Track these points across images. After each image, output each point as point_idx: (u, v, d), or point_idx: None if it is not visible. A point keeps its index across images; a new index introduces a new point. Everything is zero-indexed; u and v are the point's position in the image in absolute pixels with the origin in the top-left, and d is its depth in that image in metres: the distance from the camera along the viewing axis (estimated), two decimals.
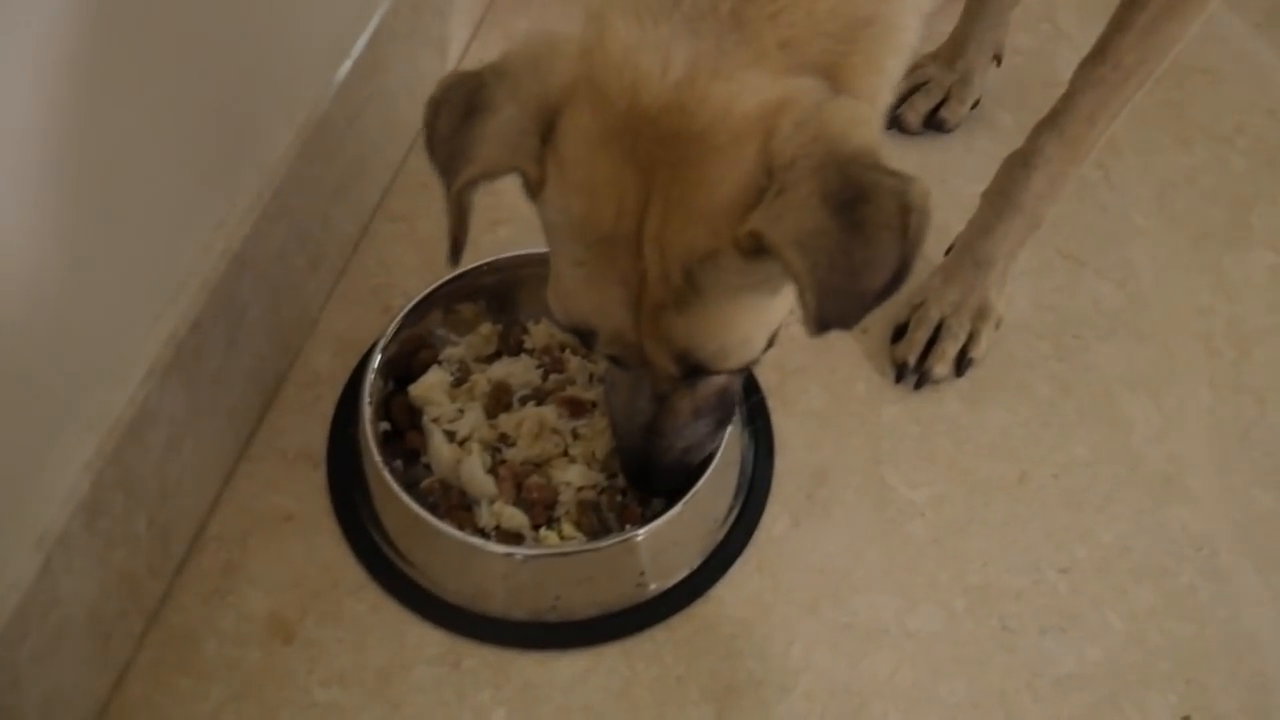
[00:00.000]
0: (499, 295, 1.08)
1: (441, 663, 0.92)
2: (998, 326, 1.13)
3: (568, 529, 0.95)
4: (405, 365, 1.04)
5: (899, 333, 1.14)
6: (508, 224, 1.19)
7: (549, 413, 1.00)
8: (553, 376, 1.04)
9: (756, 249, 0.65)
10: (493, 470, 0.97)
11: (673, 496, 0.96)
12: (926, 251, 1.20)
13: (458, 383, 1.03)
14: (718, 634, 0.95)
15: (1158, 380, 1.14)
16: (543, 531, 0.95)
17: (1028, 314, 1.18)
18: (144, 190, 0.85)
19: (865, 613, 0.97)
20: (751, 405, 1.07)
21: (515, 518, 0.94)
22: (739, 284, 0.70)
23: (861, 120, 0.66)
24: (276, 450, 1.03)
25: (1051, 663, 0.96)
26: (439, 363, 1.04)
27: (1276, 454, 1.09)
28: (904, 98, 1.32)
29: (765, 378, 1.10)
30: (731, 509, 1.01)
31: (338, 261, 1.15)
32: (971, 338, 1.12)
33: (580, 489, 0.96)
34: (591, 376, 1.04)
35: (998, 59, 1.33)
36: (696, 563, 0.98)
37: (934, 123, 1.32)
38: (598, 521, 0.96)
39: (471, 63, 1.35)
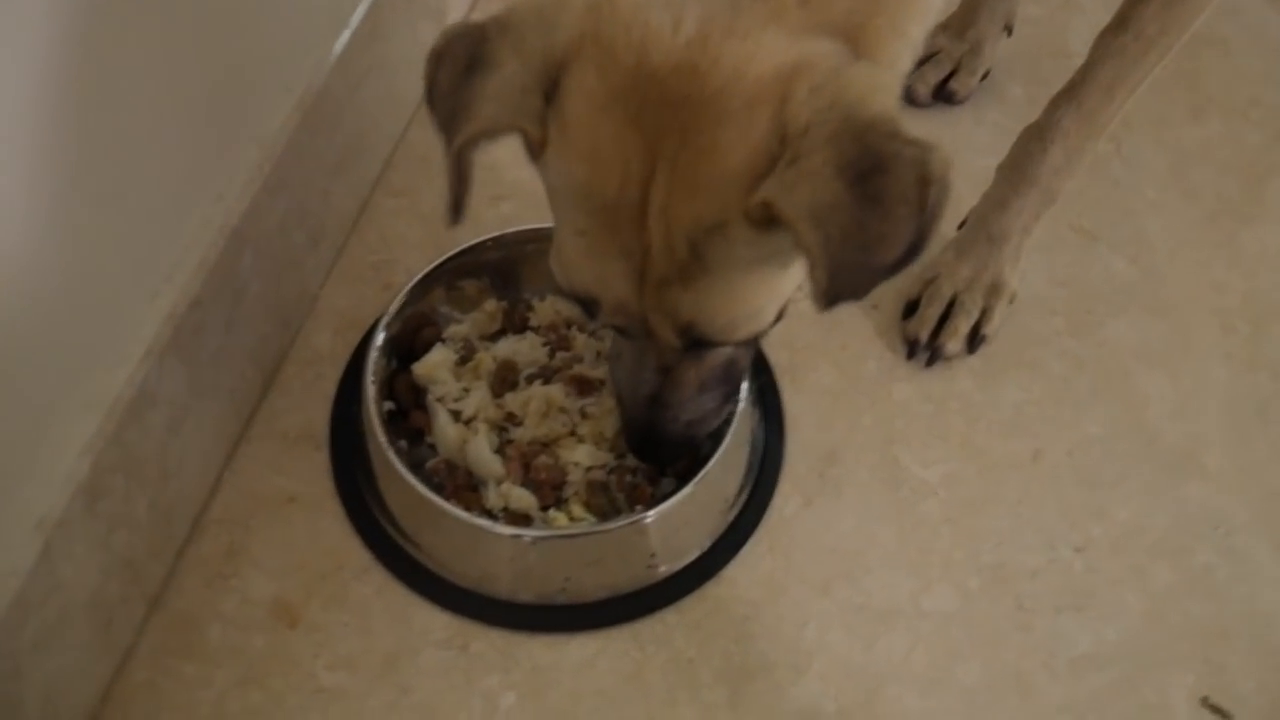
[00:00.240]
0: (502, 271, 1.06)
1: (449, 646, 0.91)
2: (1011, 302, 1.11)
3: (577, 510, 0.93)
4: (408, 343, 1.02)
5: (910, 309, 1.12)
6: (510, 199, 1.17)
7: (556, 391, 0.98)
8: (559, 354, 1.02)
9: (767, 220, 0.63)
10: (500, 450, 0.95)
11: (680, 471, 0.95)
12: (942, 226, 1.19)
13: (462, 361, 1.01)
14: (730, 616, 0.94)
15: (1173, 356, 1.13)
16: (551, 513, 0.93)
17: (1041, 289, 1.16)
18: (140, 165, 0.83)
19: (879, 593, 0.96)
20: (761, 384, 1.05)
21: (523, 499, 0.93)
22: (748, 256, 0.67)
23: (881, 87, 0.63)
24: (278, 431, 1.01)
25: (1068, 642, 0.95)
26: (443, 341, 1.02)
27: None
28: (914, 69, 1.30)
29: (775, 356, 1.08)
30: (742, 489, 0.99)
31: (338, 237, 1.13)
32: (984, 314, 1.10)
33: (589, 469, 0.95)
34: (599, 354, 1.02)
35: (1009, 29, 1.30)
36: (707, 544, 0.96)
37: (944, 94, 1.30)
38: (607, 502, 0.94)
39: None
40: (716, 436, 0.94)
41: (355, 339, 1.06)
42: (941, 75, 1.30)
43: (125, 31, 0.77)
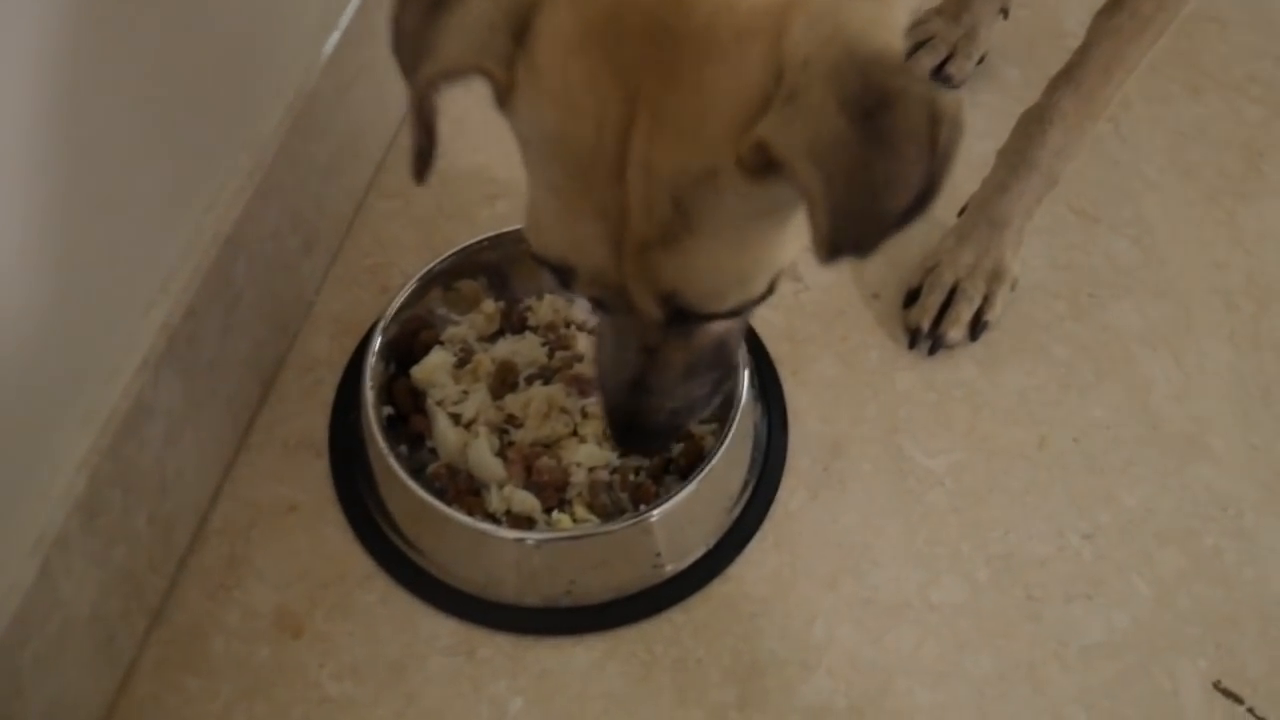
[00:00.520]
0: (499, 272, 1.05)
1: (456, 653, 0.90)
2: (1013, 288, 1.10)
3: (580, 511, 0.92)
4: (406, 347, 1.01)
5: (911, 297, 1.11)
6: (505, 198, 1.16)
7: (557, 391, 0.97)
8: (559, 354, 1.01)
9: (763, 165, 0.57)
10: (501, 453, 0.95)
11: (683, 469, 0.95)
12: (938, 213, 1.18)
13: (461, 363, 1.01)
14: (737, 613, 0.93)
15: (1176, 337, 1.12)
16: (555, 514, 0.92)
17: (1042, 273, 1.15)
18: (130, 174, 0.82)
19: (887, 586, 0.95)
20: (763, 377, 1.04)
21: (526, 501, 0.92)
22: (739, 211, 0.61)
23: (885, 22, 0.58)
24: (277, 439, 1.00)
25: (1078, 631, 0.94)
26: (441, 343, 1.02)
27: None
28: (909, 54, 1.29)
29: (776, 349, 1.07)
30: (746, 485, 0.98)
31: (332, 241, 1.12)
32: (986, 300, 1.09)
33: (592, 469, 0.94)
34: None
35: (1004, 12, 1.29)
36: (713, 541, 0.95)
37: (940, 79, 1.29)
38: (611, 502, 0.93)
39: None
40: (718, 429, 0.93)
41: (352, 343, 1.05)
42: (938, 60, 1.29)
43: (113, 40, 0.76)
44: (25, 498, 0.76)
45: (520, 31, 0.60)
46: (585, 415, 0.97)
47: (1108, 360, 1.10)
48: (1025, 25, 1.35)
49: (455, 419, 0.97)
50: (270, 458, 0.99)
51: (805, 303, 1.11)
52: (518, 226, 1.01)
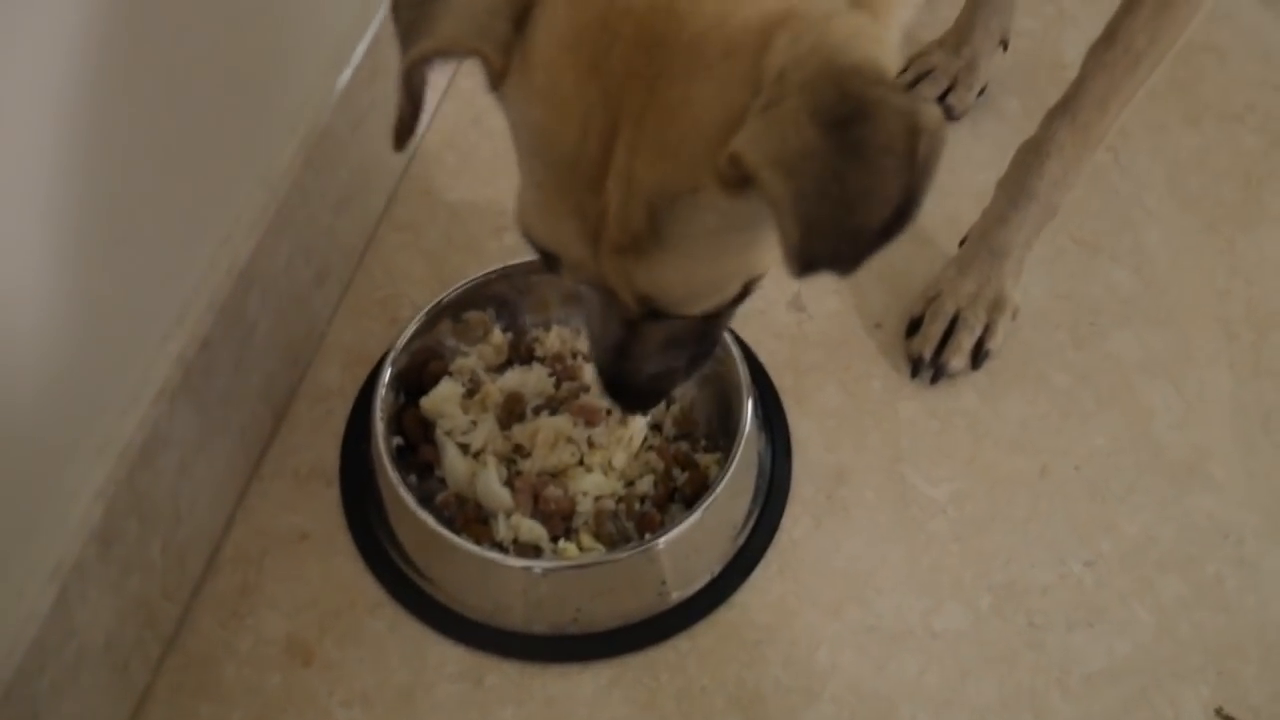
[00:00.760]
0: (508, 303, 1.07)
1: (463, 680, 0.91)
2: (1014, 317, 1.11)
3: (587, 540, 0.94)
4: (416, 377, 1.03)
5: (913, 327, 1.12)
6: (514, 230, 1.16)
7: (564, 421, 0.99)
8: (566, 384, 1.03)
9: (740, 180, 0.56)
10: (509, 482, 0.96)
11: (688, 496, 0.97)
12: (940, 242, 1.20)
13: (470, 394, 1.02)
14: (742, 641, 0.94)
15: (1177, 366, 1.13)
16: (561, 543, 0.94)
17: (1042, 302, 1.17)
18: (146, 210, 0.84)
19: (890, 614, 0.96)
20: (767, 407, 1.06)
21: (533, 530, 0.93)
22: (715, 226, 0.61)
23: (872, 36, 0.57)
24: (289, 468, 1.02)
25: (1080, 659, 0.95)
26: (450, 374, 1.03)
27: None
28: (909, 86, 1.31)
29: (780, 379, 1.09)
30: (751, 513, 0.99)
31: (344, 274, 1.14)
32: (987, 329, 1.10)
33: (598, 498, 0.95)
34: None
35: (1004, 44, 1.31)
36: (718, 569, 0.97)
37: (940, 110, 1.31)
38: (616, 531, 0.95)
39: (471, 65, 1.34)
40: (723, 457, 0.95)
41: (363, 374, 1.07)
42: (938, 91, 1.31)
43: (130, 79, 0.78)
44: (43, 527, 0.77)
45: (520, 19, 0.60)
46: (592, 445, 0.98)
47: (1108, 389, 1.11)
48: (1025, 57, 1.37)
49: (464, 449, 0.99)
50: (282, 487, 1.01)
51: (809, 332, 1.13)
52: (526, 259, 1.04)
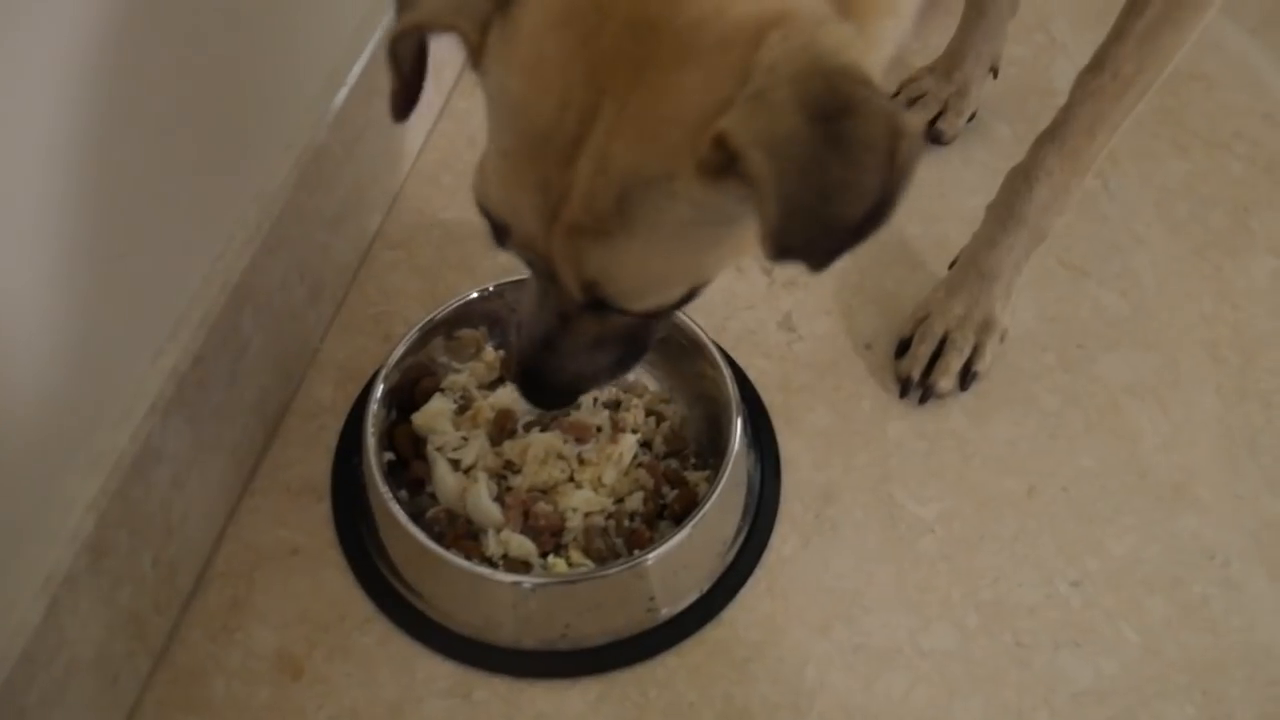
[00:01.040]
0: (500, 321, 1.08)
1: (452, 695, 0.92)
2: (1003, 340, 1.12)
3: (576, 556, 0.94)
4: (408, 394, 1.03)
5: (903, 348, 1.13)
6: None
7: (554, 438, 0.99)
8: None
9: (721, 164, 0.57)
10: (499, 498, 0.97)
11: (677, 513, 0.97)
12: (929, 265, 1.21)
13: (461, 410, 1.03)
14: (730, 658, 0.95)
15: (1164, 389, 1.14)
16: (551, 559, 0.94)
17: (1031, 325, 1.18)
18: (141, 226, 0.84)
19: (878, 632, 0.97)
20: (756, 426, 1.06)
21: (523, 546, 0.94)
22: (682, 219, 0.62)
23: (858, 47, 0.58)
24: (280, 483, 1.02)
25: (1067, 678, 0.95)
26: (442, 390, 1.04)
27: None
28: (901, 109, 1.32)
29: (769, 397, 1.10)
30: (740, 530, 1.00)
31: (337, 291, 1.15)
32: (976, 351, 1.11)
33: (588, 515, 0.96)
34: (595, 400, 1.04)
35: (994, 71, 1.33)
36: (706, 586, 0.97)
37: (931, 135, 1.32)
38: (606, 547, 0.95)
39: (467, 85, 1.36)
40: (712, 474, 0.95)
41: (356, 390, 1.08)
42: (929, 116, 1.32)
43: (125, 94, 0.78)
44: (35, 538, 0.78)
45: None
46: (582, 461, 0.99)
47: (1096, 411, 1.12)
48: (1015, 82, 1.39)
49: (455, 464, 0.99)
50: (273, 502, 1.01)
51: (798, 353, 1.14)
52: (519, 277, 1.05)
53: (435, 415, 1.01)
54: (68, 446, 0.81)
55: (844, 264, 1.18)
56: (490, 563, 0.93)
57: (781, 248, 0.56)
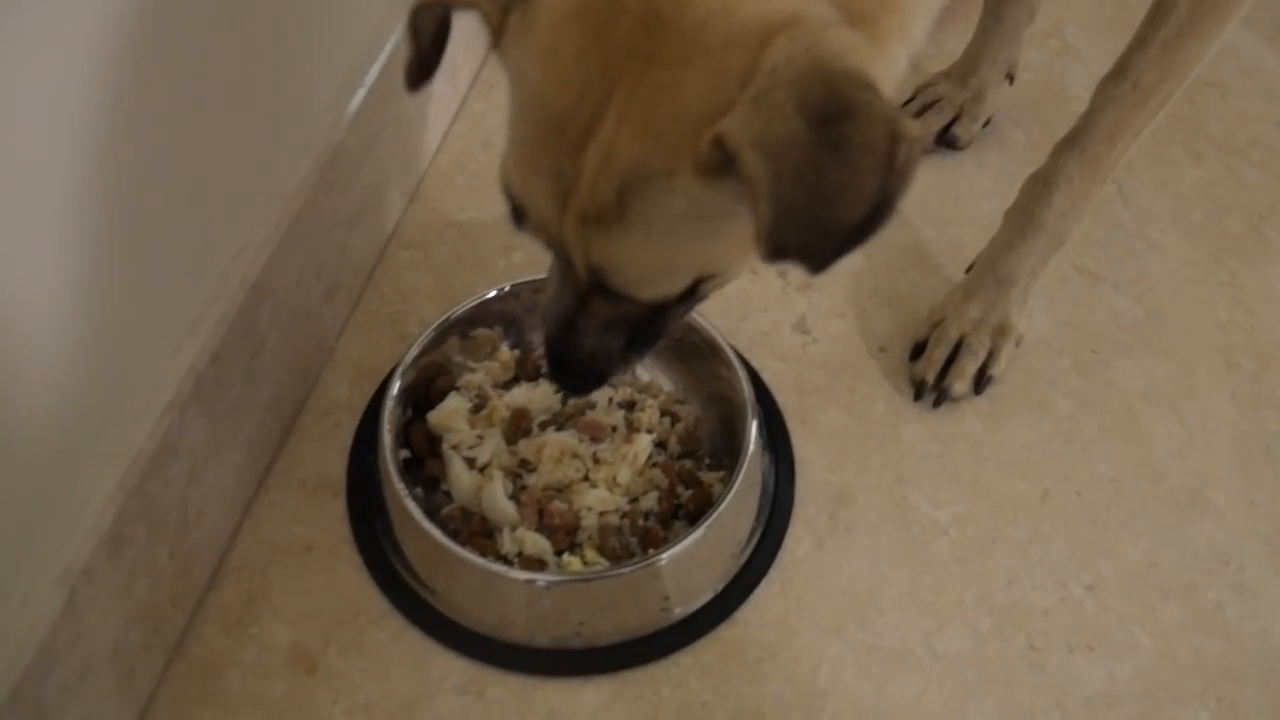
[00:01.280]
0: (515, 321, 1.08)
1: (466, 692, 0.92)
2: (1018, 345, 1.12)
3: (590, 554, 0.94)
4: (423, 392, 1.04)
5: (917, 351, 1.13)
6: (522, 249, 1.19)
7: (569, 437, 0.99)
8: (572, 401, 1.03)
9: (718, 165, 0.58)
10: (514, 496, 0.97)
11: (692, 514, 0.97)
12: (944, 269, 1.21)
13: (476, 409, 1.03)
14: (743, 658, 0.95)
15: (1179, 395, 1.14)
16: (565, 557, 0.94)
17: (1046, 330, 1.18)
18: (161, 224, 0.85)
19: (891, 634, 0.97)
20: (771, 427, 1.07)
21: (537, 544, 0.94)
22: (682, 213, 0.63)
23: (865, 53, 0.59)
24: (296, 480, 1.03)
25: (1081, 682, 0.95)
26: (457, 389, 1.04)
27: None
28: (916, 115, 1.32)
29: (784, 399, 1.10)
30: (754, 531, 1.00)
31: (354, 290, 1.15)
32: (991, 355, 1.11)
33: (602, 514, 0.96)
34: (611, 400, 1.04)
35: (1010, 77, 1.33)
36: (720, 586, 0.97)
37: (946, 140, 1.32)
38: (620, 546, 0.95)
39: (483, 87, 1.36)
40: (727, 476, 0.96)
41: (371, 389, 1.08)
42: (944, 122, 1.32)
43: (146, 96, 0.79)
44: (54, 530, 0.78)
45: None
46: (597, 461, 0.99)
47: (1110, 416, 1.12)
48: (1030, 88, 1.39)
49: (470, 463, 0.99)
50: (289, 498, 1.02)
51: (813, 355, 1.14)
52: (534, 277, 1.05)
53: (450, 414, 1.01)
54: (87, 441, 0.81)
55: (858, 267, 1.20)
56: (505, 560, 0.94)
57: (776, 248, 0.57)
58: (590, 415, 1.02)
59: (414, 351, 1.02)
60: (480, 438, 1.01)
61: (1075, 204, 1.06)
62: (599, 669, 0.93)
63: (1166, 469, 1.08)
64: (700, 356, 1.05)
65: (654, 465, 1.00)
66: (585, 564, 0.94)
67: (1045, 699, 0.94)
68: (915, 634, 0.97)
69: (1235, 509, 1.06)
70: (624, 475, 0.98)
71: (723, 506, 0.93)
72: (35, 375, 0.74)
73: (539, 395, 1.03)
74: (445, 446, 1.00)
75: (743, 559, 0.99)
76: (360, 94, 1.09)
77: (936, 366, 1.11)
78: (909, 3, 0.65)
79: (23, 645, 0.74)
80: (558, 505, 0.96)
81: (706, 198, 0.61)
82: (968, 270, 1.17)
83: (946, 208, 1.28)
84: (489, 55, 1.39)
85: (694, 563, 0.94)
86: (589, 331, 0.77)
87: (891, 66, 0.66)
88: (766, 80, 0.57)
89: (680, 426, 1.04)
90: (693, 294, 0.73)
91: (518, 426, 1.01)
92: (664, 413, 1.04)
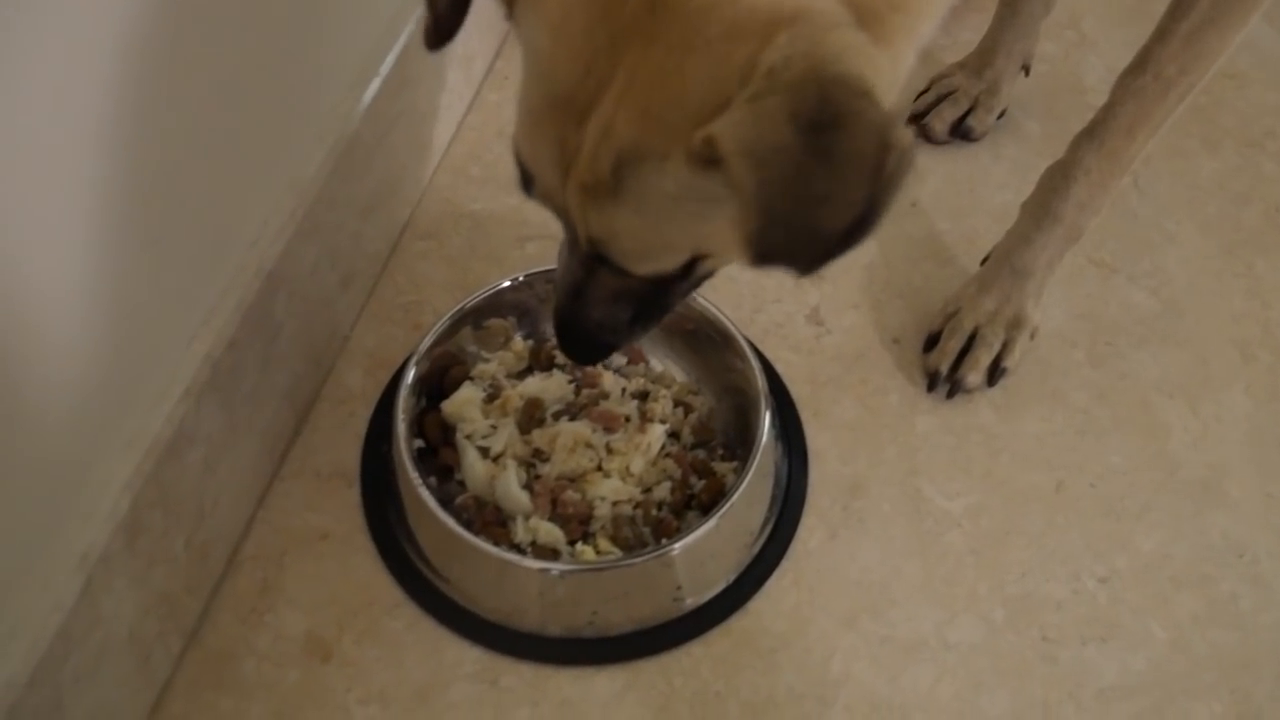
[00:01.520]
0: (528, 311, 1.09)
1: (479, 680, 0.92)
2: (1033, 337, 1.12)
3: (604, 544, 0.94)
4: (437, 382, 1.04)
5: (931, 342, 1.13)
6: (536, 240, 1.19)
7: (583, 427, 0.99)
8: (585, 391, 1.04)
9: (707, 160, 0.59)
10: (527, 486, 0.97)
11: (705, 504, 0.97)
12: (958, 260, 1.21)
13: (490, 399, 1.03)
14: (756, 648, 0.95)
15: (1194, 387, 1.13)
16: (579, 546, 0.94)
17: (1060, 322, 1.17)
18: (178, 213, 0.85)
19: (904, 625, 0.97)
20: (784, 418, 1.07)
21: (551, 533, 0.94)
22: (673, 194, 0.63)
23: (866, 55, 0.59)
24: (311, 468, 1.03)
25: (1094, 673, 0.95)
26: (471, 379, 1.05)
27: None
28: (930, 107, 1.32)
29: (797, 390, 1.10)
30: (767, 522, 1.00)
31: (368, 279, 1.16)
32: (1005, 347, 1.11)
33: (615, 503, 0.96)
34: (624, 390, 1.04)
35: (1026, 69, 1.32)
36: (733, 576, 0.97)
37: (960, 131, 1.32)
38: (633, 536, 0.95)
39: (497, 78, 1.37)
40: (740, 470, 0.96)
41: (385, 378, 1.08)
42: (959, 113, 1.32)
43: (162, 85, 0.79)
44: (72, 516, 0.79)
45: None
46: (610, 451, 0.99)
47: (1125, 408, 1.12)
48: (1046, 81, 1.38)
49: (484, 452, 1.00)
50: (303, 487, 1.02)
51: (826, 346, 1.14)
52: (548, 267, 1.05)
53: (464, 403, 1.02)
54: (104, 427, 0.82)
55: (872, 259, 1.20)
56: (518, 550, 0.94)
57: (761, 252, 0.58)
58: (604, 405, 1.02)
59: (428, 341, 1.02)
60: (494, 427, 1.01)
61: (1093, 197, 1.06)
62: (611, 658, 0.93)
63: (1181, 461, 1.08)
64: (714, 347, 1.05)
65: (667, 455, 1.00)
66: (598, 553, 0.94)
67: (1058, 690, 0.94)
68: (928, 625, 0.97)
69: (1250, 501, 1.06)
70: (637, 465, 0.98)
71: (735, 497, 0.93)
72: (53, 362, 0.74)
73: (552, 385, 1.04)
74: (459, 436, 1.01)
75: (755, 549, 0.99)
76: (375, 84, 1.09)
77: (950, 358, 1.11)
78: (917, 1, 0.65)
79: (40, 631, 0.75)
80: (571, 495, 0.96)
81: (698, 183, 0.61)
82: (983, 262, 1.16)
83: (961, 199, 1.28)
84: (503, 46, 1.39)
85: (706, 553, 0.94)
86: (595, 302, 0.78)
87: (897, 65, 0.66)
88: (762, 83, 0.57)
89: (694, 417, 1.04)
90: (690, 272, 0.73)
91: (531, 416, 1.01)
92: (677, 403, 1.05)
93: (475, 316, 1.06)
